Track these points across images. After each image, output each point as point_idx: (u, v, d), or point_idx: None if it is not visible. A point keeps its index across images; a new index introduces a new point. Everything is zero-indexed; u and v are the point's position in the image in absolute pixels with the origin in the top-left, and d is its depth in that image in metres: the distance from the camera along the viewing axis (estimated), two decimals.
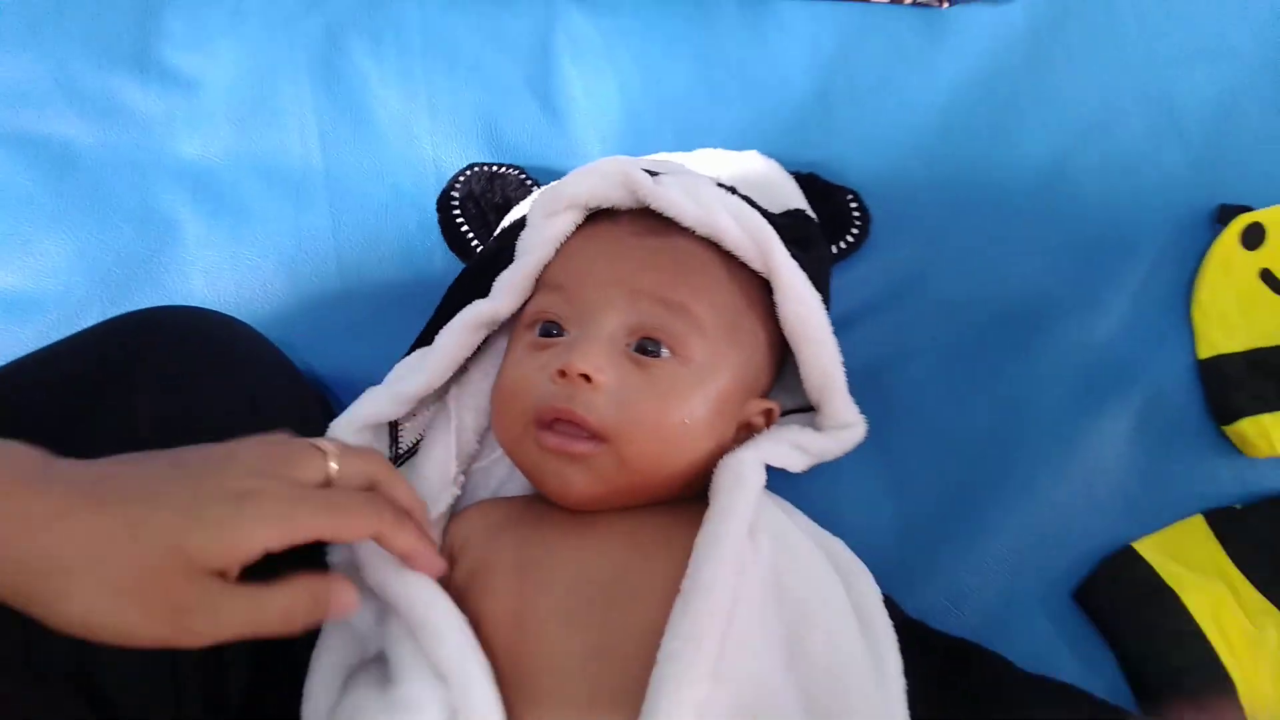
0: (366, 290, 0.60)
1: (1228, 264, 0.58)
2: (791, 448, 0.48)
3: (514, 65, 0.64)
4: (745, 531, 0.42)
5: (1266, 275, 0.58)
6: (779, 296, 0.48)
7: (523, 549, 0.45)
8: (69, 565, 0.31)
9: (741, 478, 0.43)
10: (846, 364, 0.50)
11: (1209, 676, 0.51)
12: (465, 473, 0.52)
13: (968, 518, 0.54)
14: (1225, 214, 0.59)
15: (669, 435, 0.45)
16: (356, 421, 0.47)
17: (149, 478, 0.35)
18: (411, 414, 0.51)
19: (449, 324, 0.49)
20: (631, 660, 0.39)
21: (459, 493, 0.50)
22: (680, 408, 0.45)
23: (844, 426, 0.49)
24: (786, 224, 0.51)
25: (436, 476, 0.49)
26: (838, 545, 0.48)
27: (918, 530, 0.53)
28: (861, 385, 0.51)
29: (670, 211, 0.48)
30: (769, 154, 0.59)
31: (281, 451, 0.38)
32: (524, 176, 0.60)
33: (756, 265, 0.48)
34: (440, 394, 0.51)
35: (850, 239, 0.57)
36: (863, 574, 0.46)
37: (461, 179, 0.61)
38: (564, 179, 0.51)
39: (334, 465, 0.39)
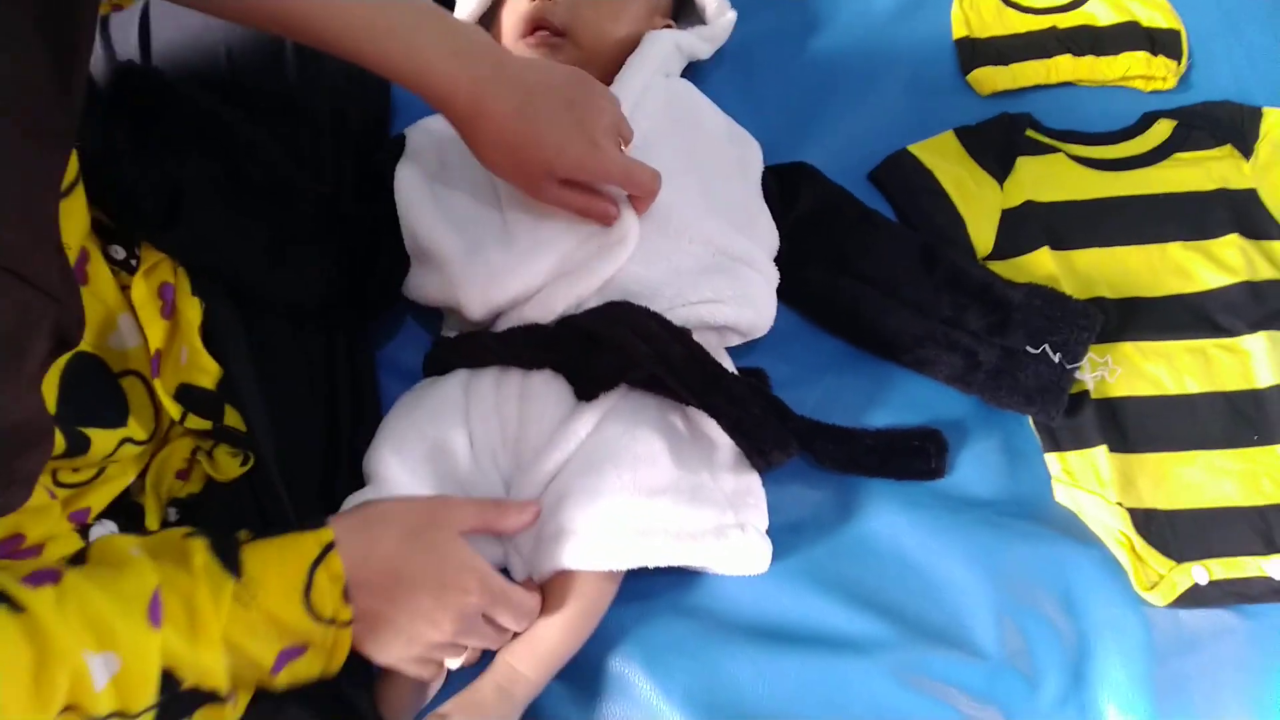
0: None
1: None
2: (695, 38, 0.77)
3: None
4: (656, 62, 0.71)
5: None
6: None
7: None
8: None
9: (655, 36, 0.73)
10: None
11: (950, 219, 0.79)
12: None
13: (804, 135, 0.82)
14: None
15: (601, 24, 0.73)
16: None
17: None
18: None
19: None
20: None
21: None
22: (603, 7, 0.73)
23: (722, 15, 0.79)
24: None
25: None
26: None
27: (775, 133, 0.79)
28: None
29: None
30: None
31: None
32: None
33: None
34: None
35: None
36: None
37: None
38: None
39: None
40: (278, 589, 0.49)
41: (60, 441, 0.48)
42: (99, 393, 0.56)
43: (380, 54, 0.55)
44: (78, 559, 0.47)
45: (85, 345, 0.56)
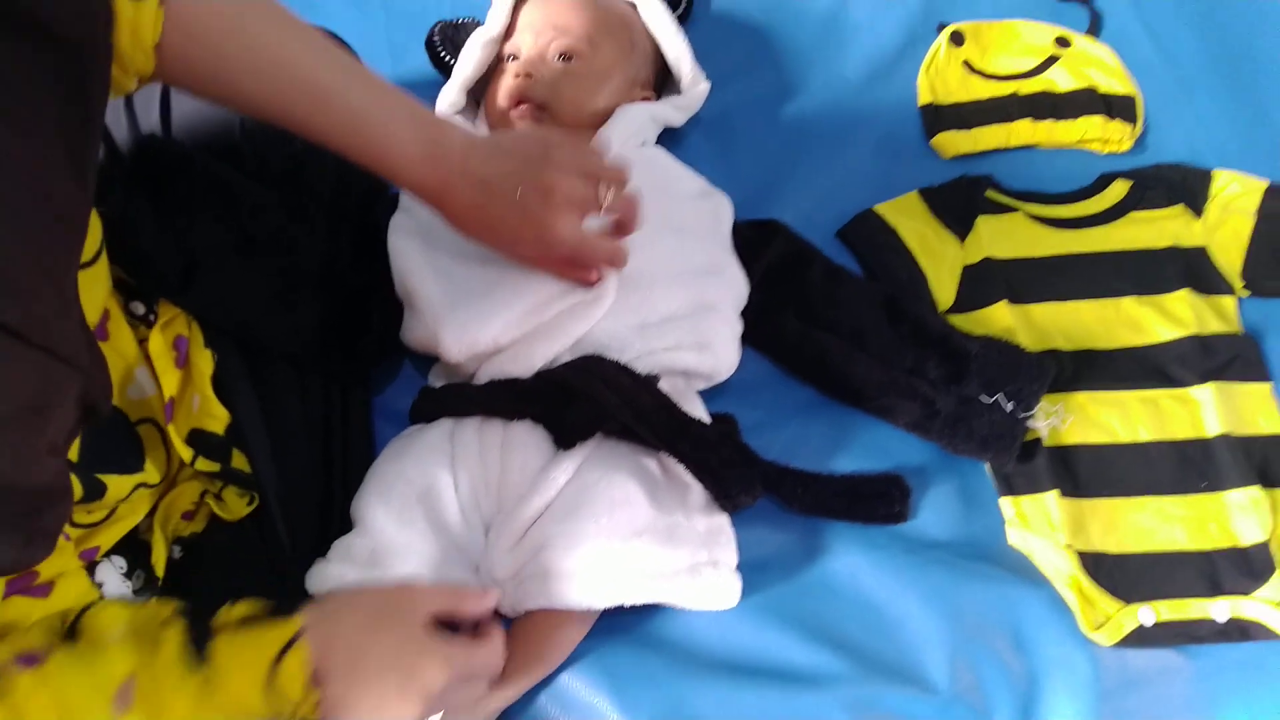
0: (406, 59, 0.93)
1: (942, 56, 0.93)
2: (669, 108, 0.84)
3: None
4: (627, 134, 0.78)
5: (967, 64, 0.93)
6: (642, 11, 0.84)
7: None
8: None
9: (625, 110, 0.80)
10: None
11: (913, 274, 0.84)
12: None
13: (777, 196, 0.87)
14: (942, 27, 0.95)
15: (579, 100, 0.80)
16: (440, 106, 0.82)
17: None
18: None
19: (465, 47, 0.83)
20: None
21: None
22: (583, 85, 0.80)
23: (696, 86, 0.85)
24: None
25: None
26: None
27: (749, 195, 0.85)
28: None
29: None
30: None
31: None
32: (477, 22, 0.89)
33: None
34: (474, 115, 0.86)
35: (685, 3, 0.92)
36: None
37: (436, 33, 0.89)
38: None
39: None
40: (241, 680, 0.51)
41: (78, 488, 0.53)
42: (118, 441, 0.61)
43: (359, 153, 0.63)
44: (72, 631, 0.51)
45: None
